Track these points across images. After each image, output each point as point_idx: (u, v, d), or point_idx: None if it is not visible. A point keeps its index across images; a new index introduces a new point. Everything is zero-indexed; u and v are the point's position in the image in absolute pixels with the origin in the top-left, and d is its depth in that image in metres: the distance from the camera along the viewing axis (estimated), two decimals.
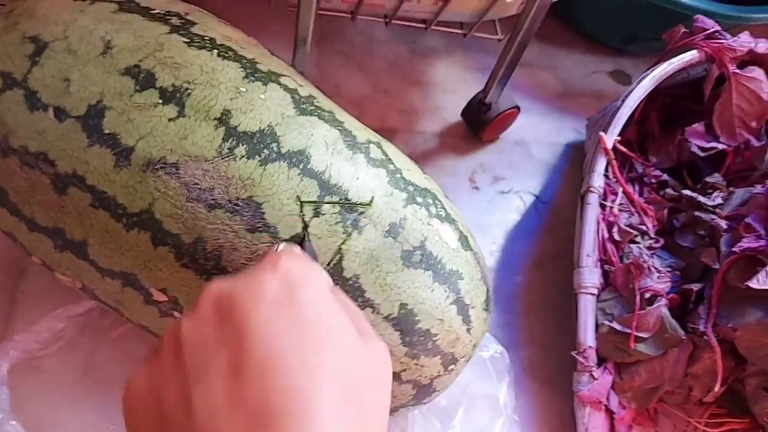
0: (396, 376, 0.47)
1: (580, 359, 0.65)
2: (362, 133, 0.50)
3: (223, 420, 0.24)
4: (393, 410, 0.52)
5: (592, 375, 0.64)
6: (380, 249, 0.45)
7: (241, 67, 0.45)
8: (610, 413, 0.65)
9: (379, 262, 0.44)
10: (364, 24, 0.92)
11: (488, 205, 0.81)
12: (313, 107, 0.47)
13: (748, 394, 0.63)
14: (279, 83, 0.46)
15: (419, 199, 0.48)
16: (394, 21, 0.72)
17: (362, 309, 0.44)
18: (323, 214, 0.43)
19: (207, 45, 0.45)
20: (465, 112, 0.84)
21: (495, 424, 0.63)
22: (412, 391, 0.50)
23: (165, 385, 0.27)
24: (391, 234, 0.45)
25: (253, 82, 0.45)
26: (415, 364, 0.47)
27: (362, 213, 0.44)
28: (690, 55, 0.74)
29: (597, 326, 0.67)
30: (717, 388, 0.62)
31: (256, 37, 0.54)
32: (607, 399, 0.65)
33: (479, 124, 0.82)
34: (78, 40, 0.43)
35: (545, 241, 0.80)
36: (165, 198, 0.41)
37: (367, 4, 0.68)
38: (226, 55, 0.45)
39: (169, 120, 0.41)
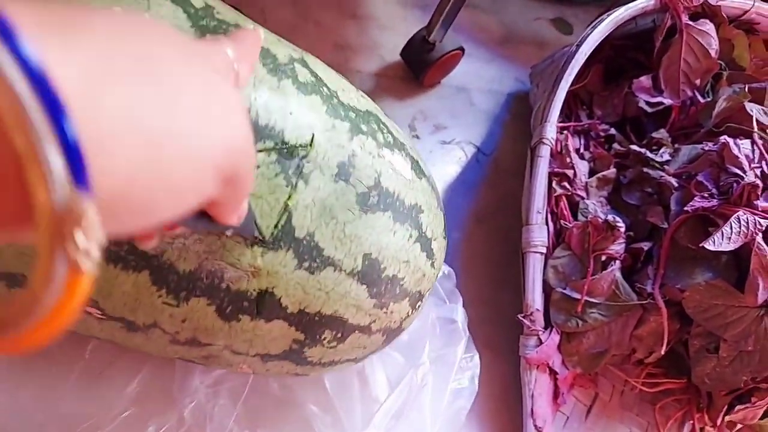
0: (365, 328, 0.40)
1: (527, 323, 0.60)
2: (282, 49, 0.37)
3: None
4: (362, 359, 0.45)
5: (539, 338, 0.59)
6: (333, 197, 0.35)
7: None
8: (554, 374, 0.61)
9: (334, 213, 0.35)
10: None
11: (429, 156, 0.72)
12: (215, 22, 0.33)
13: (691, 354, 0.59)
14: None
15: (364, 127, 0.38)
16: None
17: (322, 270, 0.35)
18: (258, 167, 0.32)
19: None
20: (405, 51, 0.74)
21: (458, 347, 0.56)
22: (382, 338, 0.43)
23: None
24: (341, 177, 0.35)
25: None
26: (384, 312, 0.40)
27: (305, 157, 0.33)
28: (645, 2, 0.67)
29: (545, 286, 0.61)
30: (663, 350, 0.59)
31: None
32: (552, 360, 0.60)
33: (421, 65, 0.72)
34: None
35: (486, 194, 0.73)
36: None
37: None
38: None
39: None
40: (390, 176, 0.38)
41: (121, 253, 0.31)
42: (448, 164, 0.73)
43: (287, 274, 0.34)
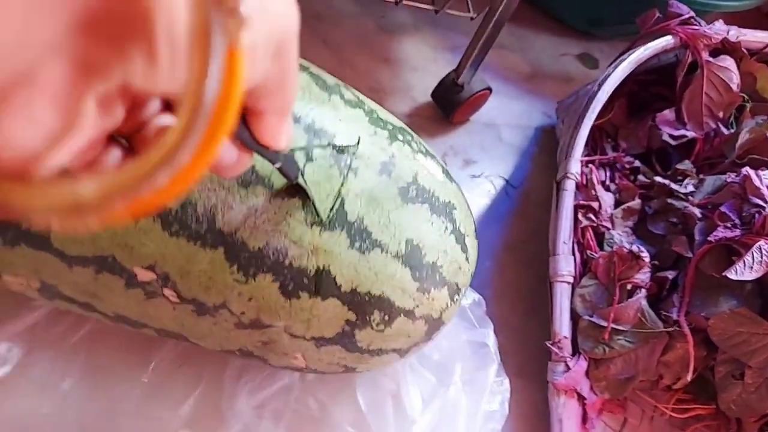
0: (409, 313, 0.44)
1: (555, 350, 0.62)
2: (329, 76, 0.45)
3: None
4: (406, 351, 0.48)
5: (566, 365, 0.62)
6: (378, 188, 0.41)
7: None
8: (582, 400, 0.63)
9: (380, 201, 0.41)
10: None
11: None
12: None
13: (717, 381, 0.61)
14: None
15: (400, 137, 0.45)
16: None
17: (371, 251, 0.40)
18: (315, 159, 0.39)
19: None
20: (436, 93, 0.78)
21: (489, 371, 0.59)
22: (425, 327, 0.46)
23: None
24: (384, 172, 0.41)
25: None
26: (427, 298, 0.44)
27: (354, 154, 0.40)
28: (665, 41, 0.71)
29: (573, 314, 0.64)
30: (689, 377, 0.60)
31: None
32: (580, 386, 0.63)
33: (451, 105, 0.77)
34: None
35: (516, 225, 0.76)
36: None
37: None
38: None
39: None
40: (425, 176, 0.44)
41: (201, 231, 0.37)
42: (478, 197, 0.76)
43: (341, 253, 0.39)
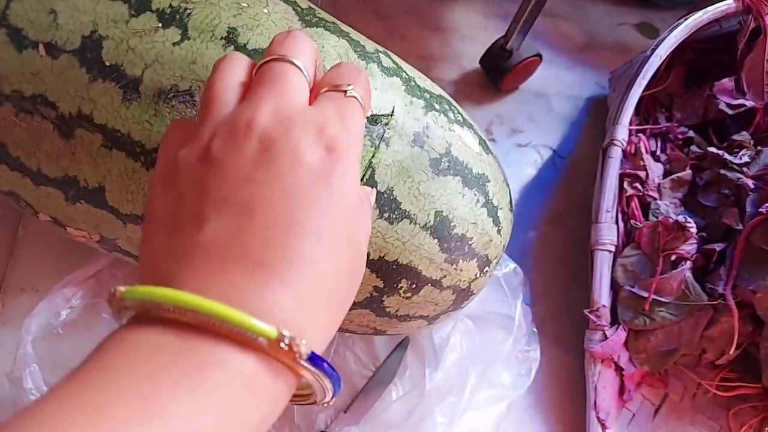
0: (437, 282, 0.46)
1: (593, 318, 0.62)
2: (369, 43, 0.46)
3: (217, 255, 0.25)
4: (434, 318, 0.50)
5: (604, 333, 0.62)
6: (409, 159, 0.42)
7: None
8: (620, 370, 0.63)
9: (410, 173, 0.42)
10: None
11: (504, 158, 0.77)
12: (316, 19, 0.43)
13: (761, 357, 0.60)
14: None
15: (437, 106, 0.46)
16: None
17: (399, 221, 0.42)
18: None
19: None
20: (484, 60, 0.79)
21: (507, 342, 0.61)
22: (452, 296, 0.48)
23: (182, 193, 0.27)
24: (417, 143, 0.42)
25: None
26: (454, 269, 0.46)
27: (386, 124, 0.41)
28: (726, 5, 0.68)
29: (613, 284, 0.63)
30: (732, 351, 0.59)
31: None
32: (618, 356, 0.63)
33: (499, 71, 0.77)
34: None
35: (561, 196, 0.76)
36: None
37: None
38: None
39: (174, 44, 0.37)
40: (459, 147, 0.45)
41: None
42: (523, 166, 0.77)
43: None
